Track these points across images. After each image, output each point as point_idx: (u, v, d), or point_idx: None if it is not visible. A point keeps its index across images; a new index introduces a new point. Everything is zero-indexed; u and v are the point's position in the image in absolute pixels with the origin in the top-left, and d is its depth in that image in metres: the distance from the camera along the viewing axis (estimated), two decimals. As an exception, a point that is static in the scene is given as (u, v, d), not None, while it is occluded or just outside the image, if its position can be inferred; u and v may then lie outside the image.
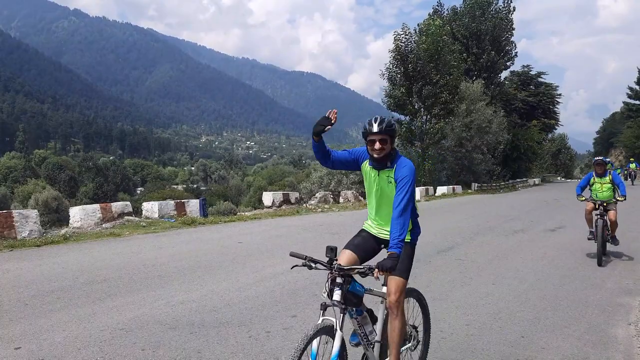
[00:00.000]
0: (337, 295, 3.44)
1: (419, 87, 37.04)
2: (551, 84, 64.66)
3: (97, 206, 15.08)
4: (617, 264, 9.83)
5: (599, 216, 9.98)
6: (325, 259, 3.51)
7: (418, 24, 40.72)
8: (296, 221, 17.13)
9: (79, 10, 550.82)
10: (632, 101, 79.27)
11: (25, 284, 7.47)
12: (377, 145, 3.80)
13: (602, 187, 10.21)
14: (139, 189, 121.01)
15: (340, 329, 3.34)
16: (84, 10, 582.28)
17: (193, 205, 17.80)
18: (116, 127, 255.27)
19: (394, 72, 38.00)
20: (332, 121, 3.84)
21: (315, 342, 3.31)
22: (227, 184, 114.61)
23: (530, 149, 53.60)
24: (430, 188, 33.94)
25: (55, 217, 40.13)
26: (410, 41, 37.24)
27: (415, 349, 4.44)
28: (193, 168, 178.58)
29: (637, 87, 77.63)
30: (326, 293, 3.53)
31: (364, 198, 29.32)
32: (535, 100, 60.52)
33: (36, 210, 13.34)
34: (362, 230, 4.41)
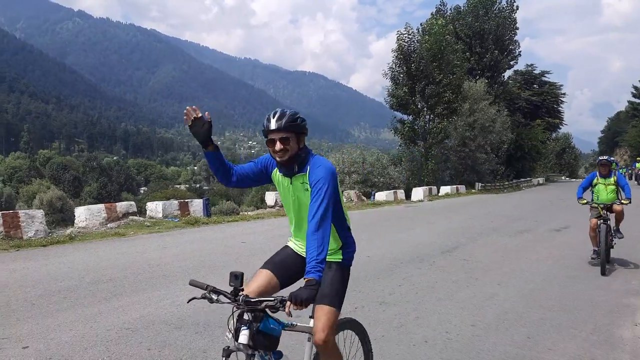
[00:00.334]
0: (243, 336, 2.73)
1: (421, 87, 37.01)
2: (555, 83, 64.69)
3: (102, 206, 15.11)
4: (623, 264, 9.79)
5: (602, 221, 9.15)
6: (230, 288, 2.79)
7: (421, 24, 40.80)
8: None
9: (83, 11, 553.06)
10: (637, 100, 79.24)
11: (32, 283, 7.48)
12: (278, 146, 3.07)
13: (606, 189, 9.45)
14: (142, 188, 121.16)
15: None
16: (88, 12, 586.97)
17: (196, 205, 17.82)
18: (120, 127, 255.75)
19: (397, 71, 38.03)
20: (207, 118, 3.15)
21: None
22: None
23: (534, 149, 53.53)
24: (434, 188, 33.92)
25: (59, 216, 40.11)
26: (413, 41, 37.30)
27: None
28: (196, 168, 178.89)
29: (641, 86, 77.50)
30: (231, 333, 2.82)
31: (368, 198, 29.34)
32: (539, 100, 60.45)
33: (42, 210, 13.37)
34: (286, 247, 3.76)
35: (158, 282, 7.76)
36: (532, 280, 8.28)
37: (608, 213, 9.36)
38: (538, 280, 8.34)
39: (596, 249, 9.27)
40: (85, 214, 14.35)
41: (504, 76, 54.98)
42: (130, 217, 15.28)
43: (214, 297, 2.78)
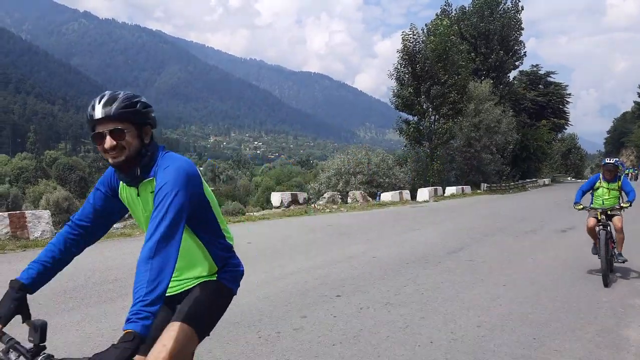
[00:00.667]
0: None
1: (427, 87, 37.05)
2: (560, 83, 64.54)
3: (107, 207, 15.12)
4: (628, 264, 9.73)
5: (601, 226, 8.35)
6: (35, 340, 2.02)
7: (426, 24, 40.83)
8: (305, 221, 17.16)
9: (88, 12, 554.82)
10: (643, 101, 78.94)
11: (37, 284, 7.47)
12: (109, 142, 2.24)
13: (608, 194, 8.61)
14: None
15: None
16: (94, 13, 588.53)
17: (202, 206, 17.80)
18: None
19: (402, 72, 38.09)
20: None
21: None
22: (235, 184, 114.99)
23: (540, 149, 53.44)
24: (439, 188, 33.91)
25: (66, 217, 40.29)
26: (418, 41, 37.30)
27: None
28: (201, 168, 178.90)
29: (647, 86, 77.26)
30: None
31: (373, 198, 29.32)
32: (544, 100, 60.31)
33: (48, 211, 13.41)
34: None
35: (163, 282, 7.75)
36: (537, 281, 8.25)
37: (606, 219, 8.49)
38: (544, 281, 8.31)
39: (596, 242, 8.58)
40: (91, 215, 14.36)
41: (509, 77, 54.97)
42: (136, 218, 15.30)
43: (12, 357, 2.00)
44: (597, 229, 8.42)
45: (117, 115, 2.22)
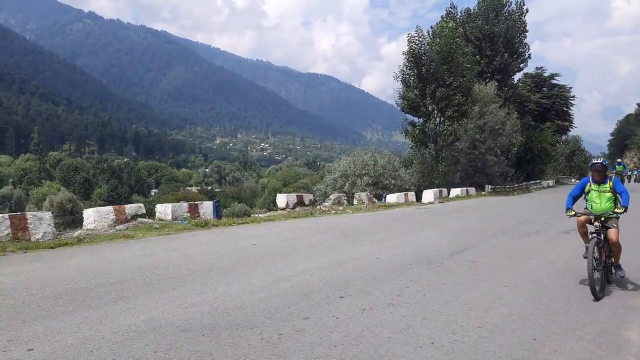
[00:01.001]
0: None
1: (432, 89, 36.99)
2: (564, 85, 64.24)
3: (110, 208, 15.17)
4: (629, 266, 9.70)
5: (595, 234, 7.81)
6: None
7: (431, 27, 40.72)
8: (310, 223, 17.14)
9: (93, 12, 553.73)
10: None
11: (38, 285, 7.50)
12: None
13: (599, 197, 8.05)
14: (153, 190, 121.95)
15: None
16: (99, 13, 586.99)
17: (206, 207, 17.81)
18: (131, 129, 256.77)
19: (408, 74, 38.02)
20: None
21: None
22: (241, 185, 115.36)
23: (544, 151, 53.29)
24: (444, 190, 33.86)
25: (69, 219, 40.43)
26: (424, 43, 37.26)
27: None
28: (207, 170, 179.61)
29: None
30: None
31: (379, 200, 29.31)
32: (548, 102, 60.16)
33: (50, 212, 13.44)
34: None
35: (165, 284, 7.78)
36: (539, 282, 8.24)
37: (600, 226, 7.88)
38: (546, 282, 8.30)
39: (587, 246, 7.92)
40: (93, 216, 14.41)
41: (513, 79, 54.78)
42: (139, 219, 15.34)
43: None
44: (589, 235, 8.03)
45: None
